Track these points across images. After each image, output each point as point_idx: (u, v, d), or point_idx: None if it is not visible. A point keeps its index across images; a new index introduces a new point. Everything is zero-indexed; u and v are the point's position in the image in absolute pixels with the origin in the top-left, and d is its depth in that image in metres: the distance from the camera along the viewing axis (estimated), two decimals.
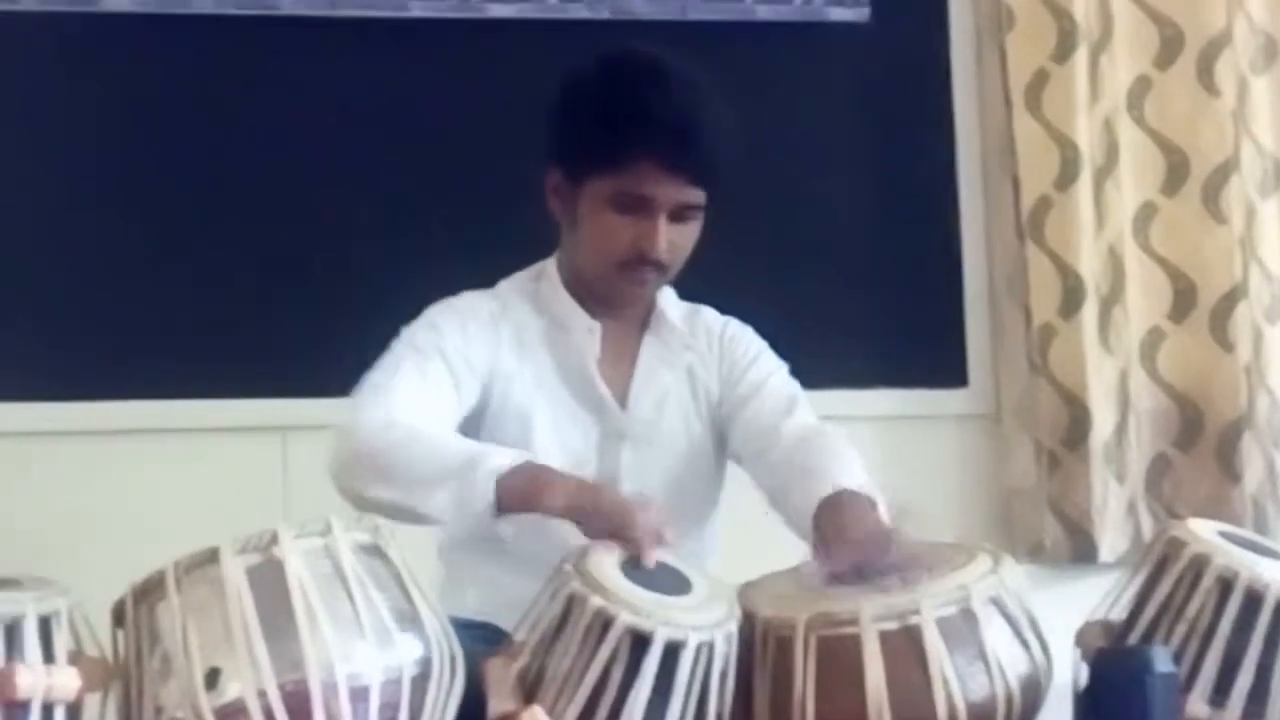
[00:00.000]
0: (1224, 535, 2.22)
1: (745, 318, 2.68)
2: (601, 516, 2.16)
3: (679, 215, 2.45)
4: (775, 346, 2.66)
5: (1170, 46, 3.60)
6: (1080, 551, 3.49)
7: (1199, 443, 3.58)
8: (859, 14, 3.60)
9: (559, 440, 2.49)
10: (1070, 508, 3.52)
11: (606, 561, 2.05)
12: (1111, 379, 3.54)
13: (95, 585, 1.97)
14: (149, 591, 1.93)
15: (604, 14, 3.49)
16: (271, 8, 3.38)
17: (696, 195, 2.45)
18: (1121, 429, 3.54)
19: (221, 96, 3.39)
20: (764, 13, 3.56)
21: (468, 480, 2.20)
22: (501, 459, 2.22)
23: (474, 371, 2.46)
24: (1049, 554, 3.50)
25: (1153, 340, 3.60)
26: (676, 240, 2.47)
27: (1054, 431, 3.53)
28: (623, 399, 2.55)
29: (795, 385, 2.62)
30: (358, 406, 2.35)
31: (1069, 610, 2.26)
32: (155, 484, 3.22)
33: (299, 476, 3.17)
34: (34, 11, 3.33)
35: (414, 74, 3.45)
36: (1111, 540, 3.50)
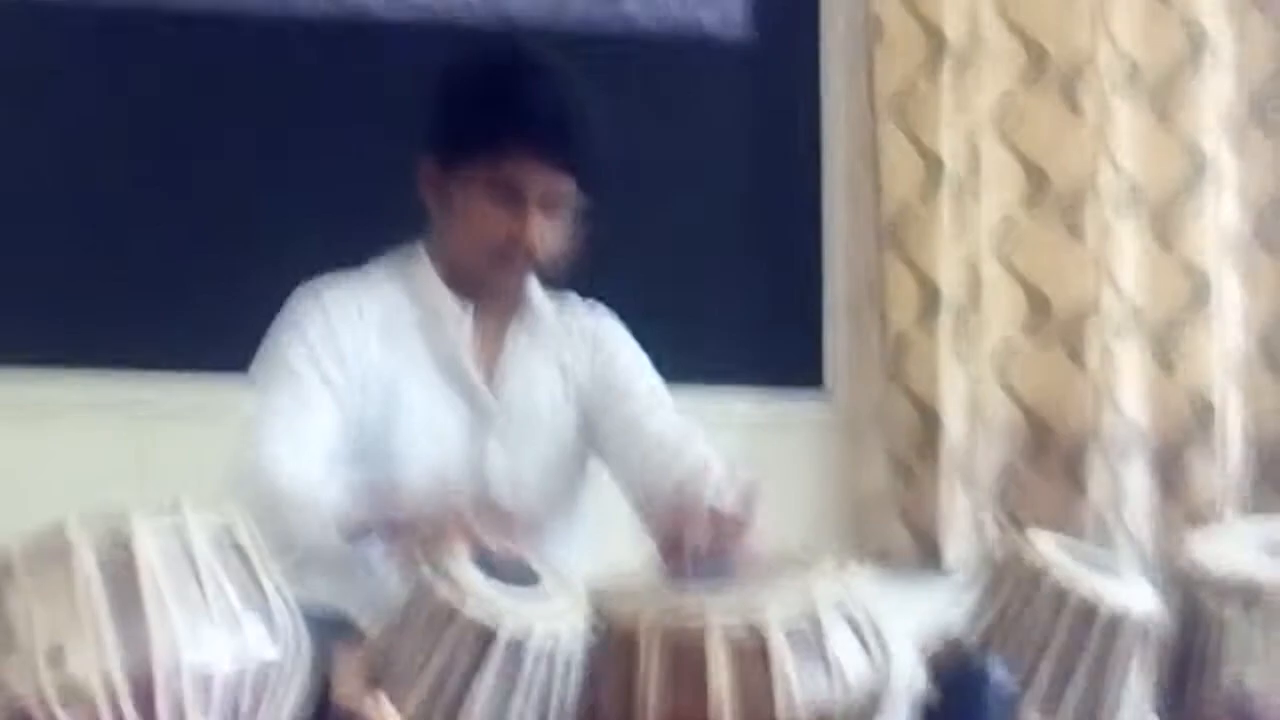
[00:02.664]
0: (1065, 549, 2.27)
1: (609, 308, 2.70)
2: (438, 535, 2.13)
3: (551, 206, 2.47)
4: (636, 340, 2.69)
5: (1036, 65, 3.67)
6: (927, 558, 3.55)
7: (1047, 455, 3.65)
8: (735, 27, 3.63)
9: (428, 427, 2.51)
10: (919, 515, 3.57)
11: (458, 553, 2.06)
12: (964, 389, 3.60)
13: None
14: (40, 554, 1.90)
15: (483, 17, 3.52)
16: None
17: (568, 186, 2.47)
18: (972, 439, 3.60)
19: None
20: (643, 21, 3.59)
21: (311, 529, 2.25)
22: (332, 499, 2.25)
23: (347, 374, 2.47)
24: (896, 560, 3.56)
25: (1006, 352, 3.66)
26: (548, 231, 2.49)
27: (907, 439, 3.59)
28: (491, 385, 2.56)
29: (659, 383, 2.64)
30: (238, 457, 2.36)
31: (913, 616, 2.30)
32: (5, 459, 3.19)
33: (155, 454, 3.14)
34: None
35: (303, 69, 3.47)
36: (957, 548, 3.55)
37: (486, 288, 2.56)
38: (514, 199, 2.45)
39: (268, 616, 1.95)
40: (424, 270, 2.57)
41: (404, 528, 2.17)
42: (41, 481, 3.04)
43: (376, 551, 2.27)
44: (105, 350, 3.27)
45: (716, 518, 2.20)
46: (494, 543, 2.09)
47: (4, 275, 3.30)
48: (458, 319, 2.55)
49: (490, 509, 2.21)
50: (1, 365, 3.27)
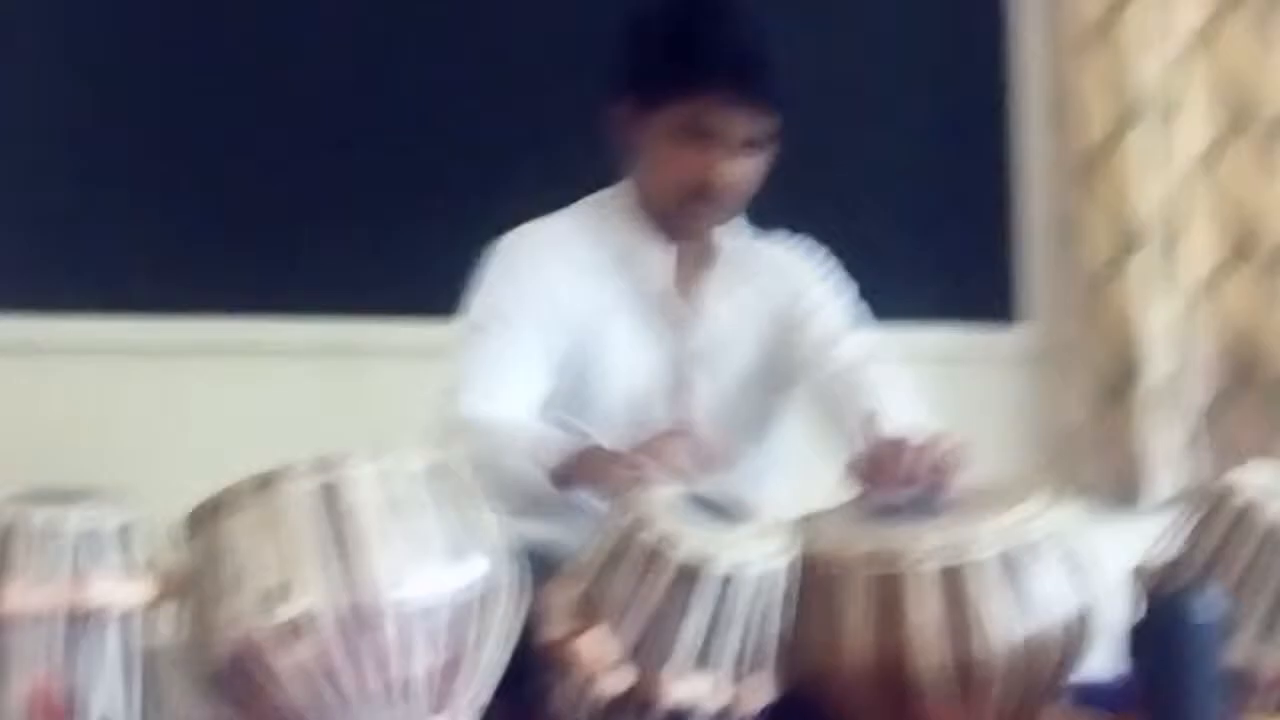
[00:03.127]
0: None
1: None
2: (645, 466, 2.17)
3: (748, 145, 2.49)
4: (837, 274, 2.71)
5: None
6: (1129, 494, 3.52)
7: (1251, 390, 3.59)
8: None
9: (633, 363, 2.55)
10: (1121, 450, 3.54)
11: (667, 490, 2.09)
12: (1164, 324, 3.55)
13: (164, 501, 1.99)
14: (220, 507, 1.96)
15: None
16: None
17: (765, 124, 2.48)
18: (1173, 374, 3.55)
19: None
20: None
21: (527, 486, 2.29)
22: (548, 458, 2.29)
23: (555, 317, 2.51)
24: (1096, 496, 3.53)
25: (1209, 284, 3.60)
26: (742, 173, 2.50)
27: (1105, 373, 3.55)
28: (690, 324, 2.59)
29: (857, 311, 2.66)
30: (446, 408, 2.41)
31: (1118, 552, 2.29)
32: (228, 404, 3.28)
33: (366, 396, 3.20)
34: None
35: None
36: (1161, 483, 3.52)
37: (682, 230, 2.58)
38: (710, 140, 2.47)
39: (486, 549, 1.99)
40: (626, 210, 2.60)
41: (613, 465, 2.20)
42: (257, 425, 3.11)
43: (588, 494, 2.30)
44: (316, 294, 3.32)
45: (921, 454, 2.20)
46: (700, 479, 2.12)
47: (212, 223, 3.37)
48: (661, 257, 2.58)
49: (695, 441, 2.22)
50: (217, 313, 3.34)
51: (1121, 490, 3.53)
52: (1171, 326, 3.56)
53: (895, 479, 2.18)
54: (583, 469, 2.26)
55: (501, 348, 2.47)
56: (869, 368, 2.56)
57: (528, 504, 2.27)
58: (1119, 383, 3.54)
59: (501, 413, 2.39)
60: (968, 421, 3.26)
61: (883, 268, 3.35)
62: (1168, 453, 3.55)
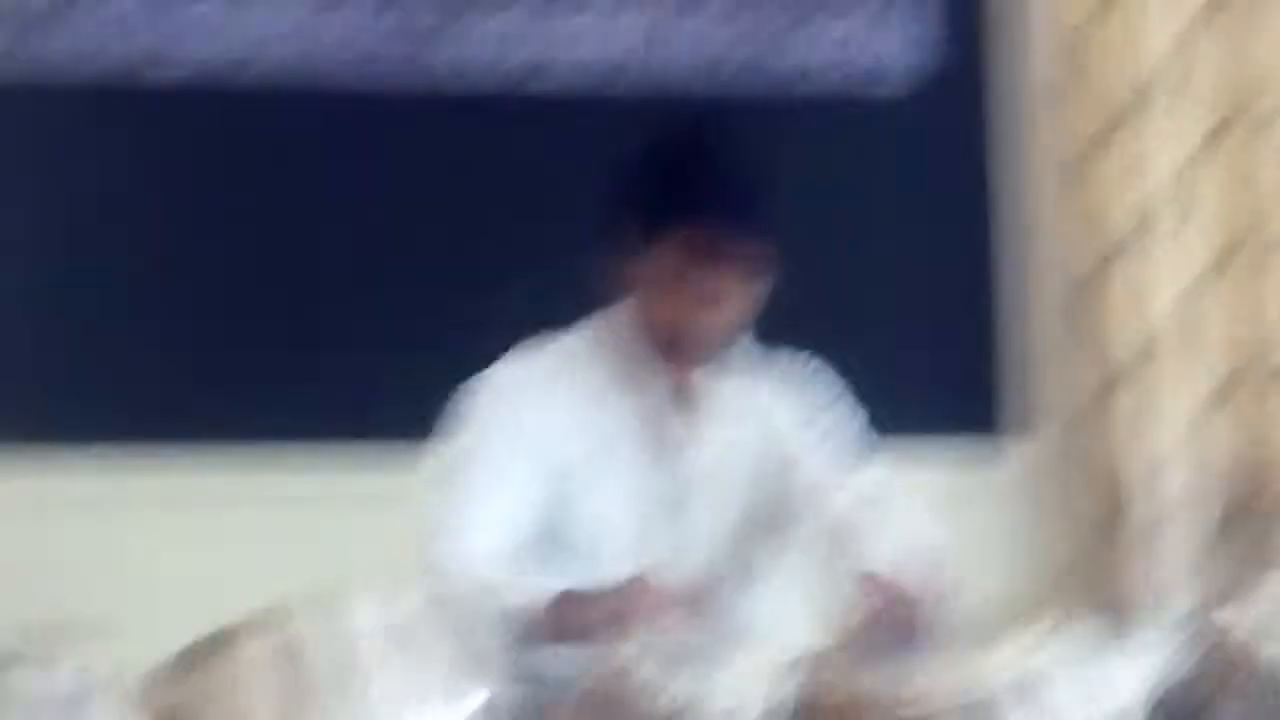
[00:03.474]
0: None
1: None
2: (625, 613, 2.15)
3: (744, 279, 2.47)
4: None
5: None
6: (1116, 629, 3.48)
7: (1243, 523, 3.57)
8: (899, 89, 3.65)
9: (622, 496, 2.50)
10: (1109, 586, 3.51)
11: (637, 650, 2.05)
12: (1151, 458, 3.54)
13: (146, 647, 1.95)
14: (208, 651, 1.91)
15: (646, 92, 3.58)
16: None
17: (757, 262, 2.47)
18: (1161, 510, 3.54)
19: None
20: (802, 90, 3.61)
21: (501, 629, 2.24)
22: (525, 600, 2.26)
23: (532, 463, 2.46)
24: (1088, 627, 3.49)
25: (1205, 415, 3.60)
26: (739, 304, 2.49)
27: (1097, 507, 3.53)
28: (690, 450, 2.56)
29: (862, 442, 2.63)
30: (425, 549, 2.38)
31: (1106, 684, 2.26)
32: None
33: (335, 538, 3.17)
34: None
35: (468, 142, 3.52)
36: (1149, 621, 3.49)
37: (685, 349, 2.53)
38: (706, 276, 2.45)
39: (485, 678, 1.96)
40: (618, 336, 2.55)
41: (598, 616, 2.18)
42: (215, 575, 3.05)
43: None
44: (283, 432, 3.31)
45: (907, 602, 2.18)
46: (676, 629, 2.10)
47: (159, 362, 3.35)
48: (659, 374, 2.54)
49: (676, 591, 2.20)
50: (167, 452, 3.31)
51: (1116, 623, 3.49)
52: (1160, 459, 3.55)
53: (886, 631, 2.15)
54: (565, 614, 2.23)
55: (482, 488, 2.42)
56: (866, 513, 2.53)
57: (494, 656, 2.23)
58: (1109, 515, 3.52)
59: (481, 555, 2.36)
60: (957, 547, 3.30)
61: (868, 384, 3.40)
62: (1156, 592, 3.52)
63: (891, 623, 2.16)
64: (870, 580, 2.29)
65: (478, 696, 1.93)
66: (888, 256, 3.67)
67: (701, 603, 2.18)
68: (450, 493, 2.43)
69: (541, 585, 2.28)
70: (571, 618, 2.21)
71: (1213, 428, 3.60)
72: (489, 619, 2.23)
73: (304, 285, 3.42)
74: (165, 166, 3.43)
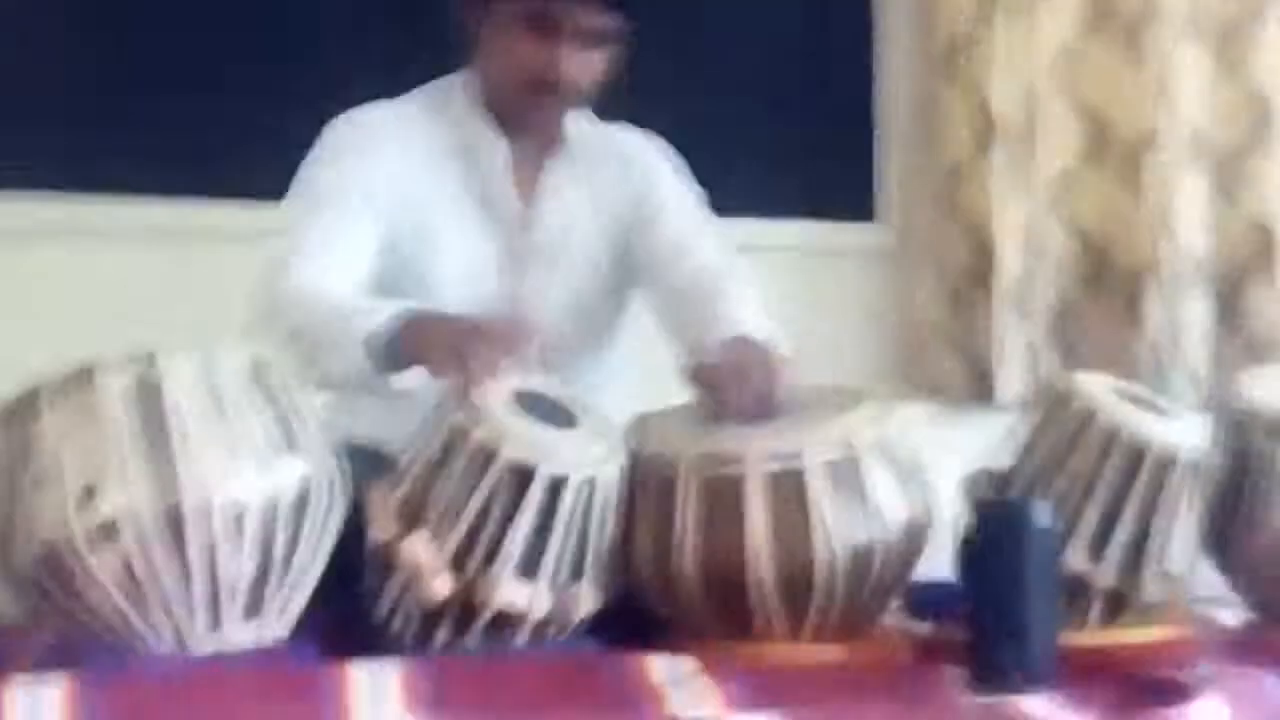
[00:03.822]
0: (1115, 390, 2.23)
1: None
2: (467, 347, 2.06)
3: (588, 39, 2.41)
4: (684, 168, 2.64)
5: None
6: (979, 392, 3.51)
7: (1104, 287, 3.59)
8: None
9: (464, 257, 2.48)
10: (972, 347, 3.53)
11: (495, 391, 2.03)
12: (1020, 219, 3.53)
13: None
14: (22, 409, 1.89)
15: None
16: None
17: (606, 20, 2.41)
18: (1028, 270, 3.54)
19: None
20: None
21: (348, 351, 2.17)
22: (370, 321, 2.17)
23: (384, 198, 2.42)
24: (949, 393, 3.52)
25: (1064, 182, 3.59)
26: (584, 66, 2.43)
27: (960, 270, 3.53)
28: (528, 216, 2.52)
29: (704, 213, 2.60)
30: (271, 278, 2.31)
31: (964, 451, 2.27)
32: (40, 290, 3.13)
33: (193, 280, 3.10)
34: None
35: None
36: (1010, 382, 3.51)
37: (523, 122, 2.50)
38: (549, 32, 2.39)
39: (302, 451, 1.93)
40: (463, 101, 2.52)
41: (441, 354, 2.11)
42: (73, 313, 2.99)
43: (418, 381, 2.22)
44: (141, 176, 3.19)
45: (754, 365, 2.15)
46: (535, 376, 2.07)
47: (32, 104, 3.23)
48: (494, 148, 2.50)
49: (522, 331, 2.15)
50: (31, 190, 3.19)
51: (975, 388, 3.52)
52: (1027, 224, 3.54)
53: (731, 390, 2.13)
54: (407, 336, 2.15)
55: (330, 223, 2.37)
56: (721, 274, 2.51)
57: (347, 378, 2.20)
58: (973, 279, 3.52)
59: (328, 283, 2.31)
60: (823, 317, 3.30)
61: (741, 162, 3.35)
62: (1021, 350, 3.53)
63: (752, 382, 2.12)
64: (735, 340, 2.26)
65: (295, 468, 1.91)
66: (755, 36, 3.58)
67: (544, 353, 2.11)
68: (296, 227, 2.38)
69: (387, 305, 2.22)
70: (418, 339, 2.14)
71: (1083, 187, 3.57)
72: (337, 345, 2.18)
73: (150, 37, 3.28)
74: None
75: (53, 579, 1.85)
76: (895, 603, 2.20)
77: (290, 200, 2.43)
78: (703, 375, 2.16)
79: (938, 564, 2.14)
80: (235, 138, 3.10)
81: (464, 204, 2.49)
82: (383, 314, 2.18)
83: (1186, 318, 3.56)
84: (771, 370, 2.16)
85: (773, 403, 2.11)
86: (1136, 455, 2.11)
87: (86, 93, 3.20)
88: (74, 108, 3.18)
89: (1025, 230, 3.54)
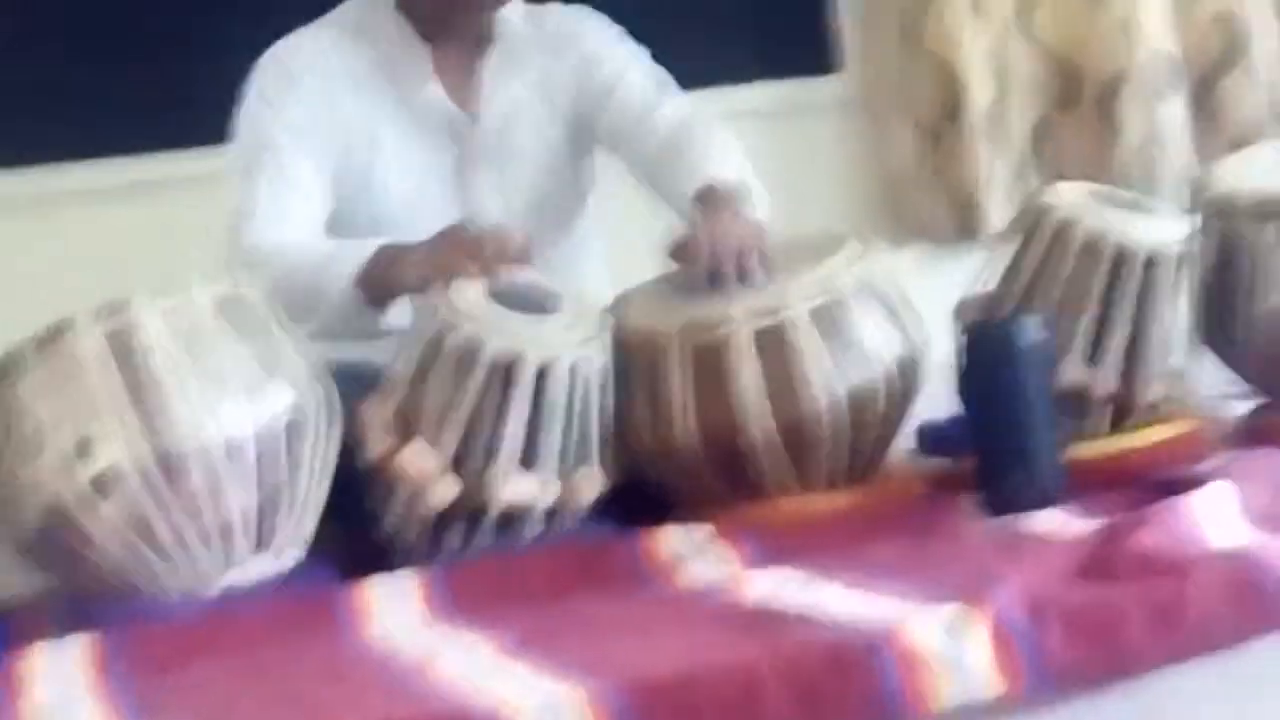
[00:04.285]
0: (1094, 196, 2.21)
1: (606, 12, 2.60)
2: (442, 263, 2.07)
3: None
4: (639, 41, 2.59)
5: None
6: (967, 225, 3.48)
7: (1079, 102, 3.55)
8: None
9: (411, 168, 2.44)
10: (954, 182, 3.49)
11: (471, 290, 2.02)
12: (985, 46, 3.49)
13: None
14: (7, 370, 1.89)
15: None
16: None
17: None
18: (1000, 97, 3.50)
19: None
20: None
21: (329, 300, 2.17)
22: (345, 266, 2.17)
23: (323, 133, 2.39)
24: (936, 231, 3.49)
25: (1026, 3, 3.54)
26: None
27: (931, 106, 3.49)
28: (470, 115, 2.48)
29: (660, 71, 2.56)
30: (231, 242, 2.30)
31: (956, 285, 2.25)
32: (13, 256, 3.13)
33: (161, 234, 3.07)
34: None
35: None
36: (998, 211, 3.48)
37: (447, 24, 2.45)
38: None
39: (288, 376, 1.93)
40: (385, 10, 2.47)
41: (415, 267, 2.11)
42: (47, 277, 2.97)
43: (398, 305, 2.22)
44: (88, 136, 3.17)
45: (730, 231, 2.13)
46: (505, 271, 2.05)
47: None
48: (418, 56, 2.45)
49: (493, 234, 2.14)
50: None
51: (960, 224, 3.49)
52: (992, 50, 3.50)
53: (712, 260, 2.10)
54: (384, 269, 2.16)
55: (275, 172, 2.34)
56: (693, 130, 2.47)
57: (333, 326, 2.19)
58: (945, 115, 3.48)
59: (289, 235, 2.30)
60: (798, 175, 3.26)
61: (694, 27, 3.31)
62: (1000, 181, 3.50)
63: (731, 248, 2.09)
64: (707, 196, 2.23)
65: (282, 396, 1.90)
66: None
67: (520, 247, 2.10)
68: (244, 181, 2.35)
69: (357, 245, 2.22)
70: (394, 268, 2.15)
71: (1046, 3, 3.53)
72: (307, 295, 2.17)
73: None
74: None
75: (57, 543, 1.86)
76: (908, 443, 2.20)
77: (233, 150, 2.41)
78: (681, 251, 2.14)
79: (945, 401, 2.14)
80: (174, 87, 3.06)
81: (401, 120, 2.45)
82: (357, 254, 2.18)
83: (1164, 119, 3.52)
84: (748, 231, 2.14)
85: (754, 263, 2.09)
86: (1121, 257, 2.09)
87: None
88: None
89: (992, 57, 3.50)
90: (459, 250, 2.06)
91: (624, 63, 2.53)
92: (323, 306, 2.18)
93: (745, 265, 2.07)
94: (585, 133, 2.53)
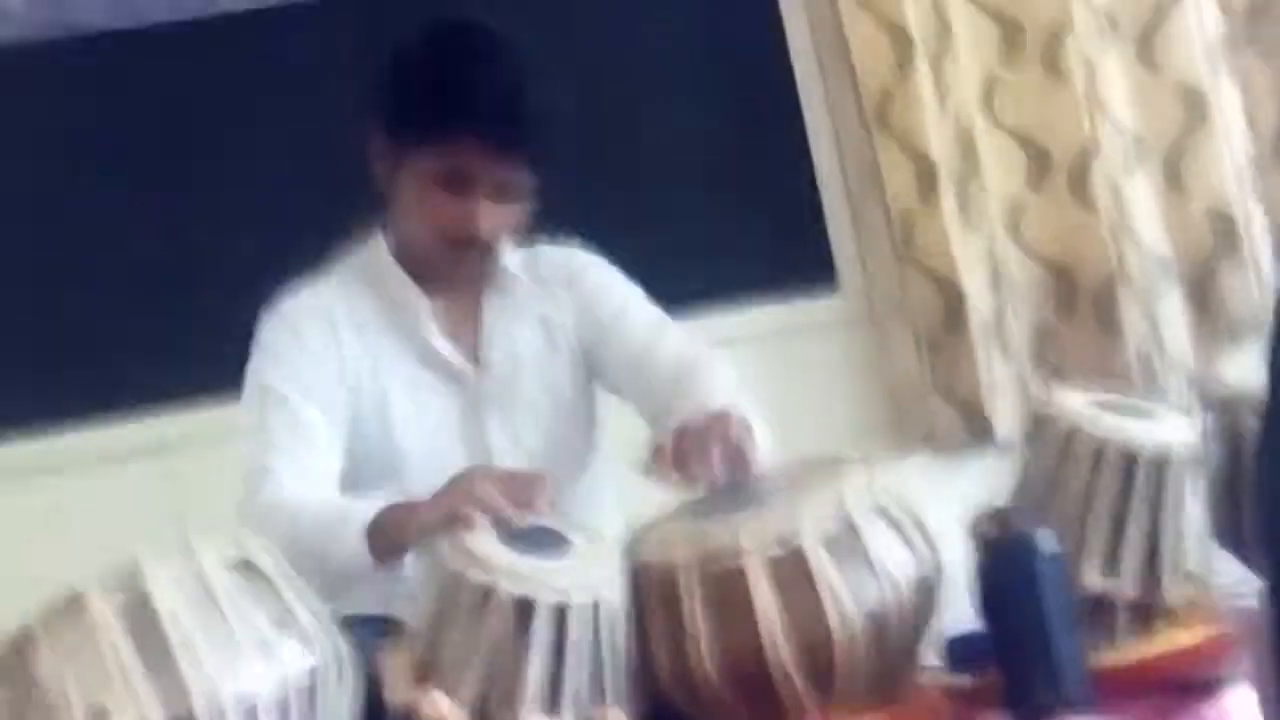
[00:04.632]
0: (1095, 402, 2.22)
1: (601, 248, 2.64)
2: (452, 512, 2.07)
3: (503, 194, 2.41)
4: (637, 273, 2.63)
5: None
6: (975, 431, 3.49)
7: (1076, 306, 3.57)
8: None
9: (421, 417, 2.46)
10: (959, 389, 3.50)
11: (481, 533, 2.02)
12: (980, 255, 3.53)
13: None
14: (20, 646, 1.88)
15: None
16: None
17: (520, 175, 2.41)
18: (998, 304, 3.53)
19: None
20: None
21: (341, 558, 2.18)
22: (352, 526, 2.18)
23: (331, 386, 2.42)
24: (942, 439, 3.49)
25: (1014, 211, 3.58)
26: (501, 219, 2.43)
27: (930, 318, 3.52)
28: (475, 361, 2.51)
29: (655, 310, 2.58)
30: (246, 500, 2.31)
31: (967, 494, 2.25)
32: (29, 527, 3.13)
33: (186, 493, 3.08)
34: None
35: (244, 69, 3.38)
36: (1005, 417, 3.49)
37: (446, 272, 2.49)
38: (464, 187, 2.39)
39: (300, 634, 1.92)
40: (383, 260, 2.50)
41: (429, 520, 2.11)
42: (58, 543, 2.98)
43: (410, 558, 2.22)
44: (96, 401, 3.20)
45: (708, 427, 2.14)
46: (514, 514, 2.05)
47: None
48: (418, 305, 2.49)
49: (508, 477, 2.15)
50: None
51: (966, 431, 3.50)
52: (987, 259, 3.53)
53: (693, 457, 2.11)
54: (395, 525, 2.17)
55: (288, 429, 2.36)
56: (692, 360, 2.49)
57: (350, 583, 2.19)
58: (947, 325, 3.51)
59: (303, 491, 2.30)
60: (803, 394, 3.28)
61: (692, 256, 3.36)
62: (1009, 384, 3.51)
63: (712, 443, 2.12)
64: (690, 414, 2.25)
65: (297, 653, 1.89)
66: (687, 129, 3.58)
67: (535, 489, 2.10)
68: (256, 436, 2.36)
69: (364, 506, 2.22)
70: (405, 523, 2.16)
71: (1035, 211, 3.57)
72: (320, 554, 2.17)
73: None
74: None
75: None
76: (933, 659, 2.19)
77: (244, 405, 2.43)
78: (662, 458, 2.15)
79: (966, 614, 2.13)
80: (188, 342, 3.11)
81: (407, 367, 2.48)
82: (363, 516, 2.19)
83: (1163, 316, 3.54)
84: (727, 424, 2.14)
85: (744, 460, 2.09)
86: (1129, 463, 2.10)
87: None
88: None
89: (987, 266, 3.53)
90: (468, 499, 2.07)
91: (623, 301, 2.56)
92: (340, 556, 2.19)
93: (736, 461, 2.07)
94: (592, 367, 2.55)
